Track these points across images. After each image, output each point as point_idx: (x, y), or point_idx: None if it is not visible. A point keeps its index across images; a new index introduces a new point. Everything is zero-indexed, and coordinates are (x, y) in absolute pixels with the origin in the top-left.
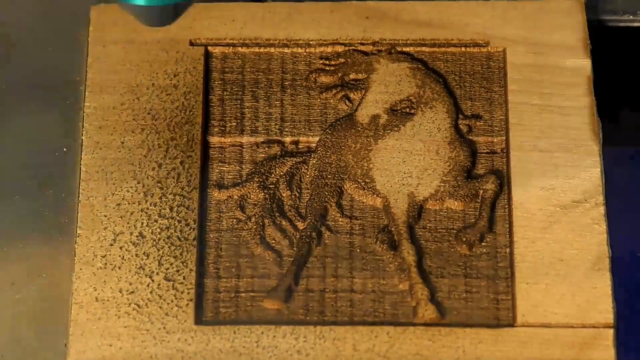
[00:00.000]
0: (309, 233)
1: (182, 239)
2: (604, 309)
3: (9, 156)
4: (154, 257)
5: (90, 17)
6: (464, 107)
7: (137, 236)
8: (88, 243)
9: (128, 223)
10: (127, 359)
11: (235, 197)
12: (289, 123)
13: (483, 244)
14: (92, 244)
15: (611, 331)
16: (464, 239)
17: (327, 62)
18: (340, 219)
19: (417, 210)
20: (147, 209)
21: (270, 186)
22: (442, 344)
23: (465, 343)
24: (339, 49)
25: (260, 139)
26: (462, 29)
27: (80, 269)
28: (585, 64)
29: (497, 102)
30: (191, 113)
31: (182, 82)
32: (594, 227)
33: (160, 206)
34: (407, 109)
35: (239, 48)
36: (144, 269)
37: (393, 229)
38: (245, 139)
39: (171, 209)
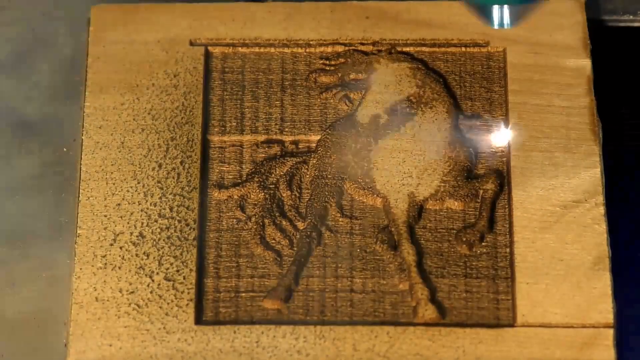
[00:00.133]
0: (309, 233)
1: (182, 239)
2: (604, 309)
3: (9, 156)
4: (154, 257)
5: (90, 17)
6: (464, 107)
7: (137, 236)
8: (88, 243)
9: (128, 223)
10: (127, 359)
11: (235, 197)
12: (289, 123)
13: (483, 244)
14: (92, 244)
15: (611, 331)
16: (464, 239)
17: (327, 62)
18: (340, 219)
19: (417, 210)
20: (147, 209)
21: (270, 186)
22: (442, 344)
23: (465, 343)
24: (339, 49)
25: (261, 138)
26: (462, 29)
27: (80, 269)
28: (585, 64)
29: (497, 102)
30: (191, 113)
31: (182, 82)
32: (594, 227)
33: (160, 206)
34: (407, 109)
35: (239, 48)
36: (144, 269)
37: (393, 229)
38: (245, 139)
39: (171, 209)
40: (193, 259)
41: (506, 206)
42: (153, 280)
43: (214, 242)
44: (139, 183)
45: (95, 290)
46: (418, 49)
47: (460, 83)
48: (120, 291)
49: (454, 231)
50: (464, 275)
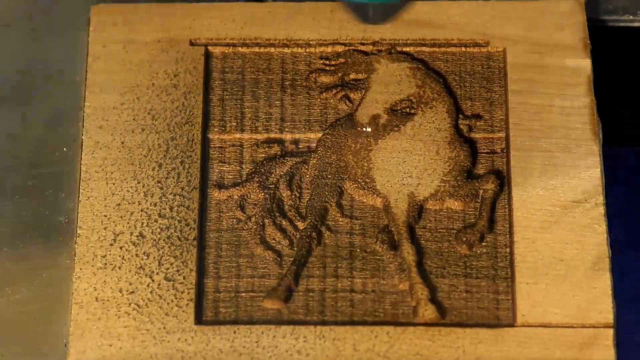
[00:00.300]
0: (309, 233)
1: (182, 239)
2: (604, 309)
3: (10, 156)
4: (154, 257)
5: (90, 17)
6: (464, 107)
7: (137, 236)
8: (88, 243)
9: (128, 223)
10: (127, 359)
11: (235, 197)
12: (289, 123)
13: (483, 244)
14: (92, 244)
15: (611, 331)
16: (464, 239)
17: (327, 62)
18: (340, 219)
19: (417, 210)
20: (147, 209)
21: (270, 186)
22: (442, 344)
23: (465, 343)
24: (339, 49)
25: (261, 139)
26: (462, 29)
27: (80, 269)
28: (585, 64)
29: (497, 102)
30: (191, 113)
31: (182, 82)
32: (594, 227)
33: (160, 206)
34: (407, 109)
35: (239, 48)
36: (144, 269)
37: (393, 229)
38: (245, 140)
39: (171, 209)
40: (193, 259)
41: (506, 206)
42: (153, 280)
43: (214, 242)
44: (139, 183)
45: (95, 290)
46: (418, 49)
47: (460, 83)
48: (120, 291)
49: (454, 231)
50: (464, 275)
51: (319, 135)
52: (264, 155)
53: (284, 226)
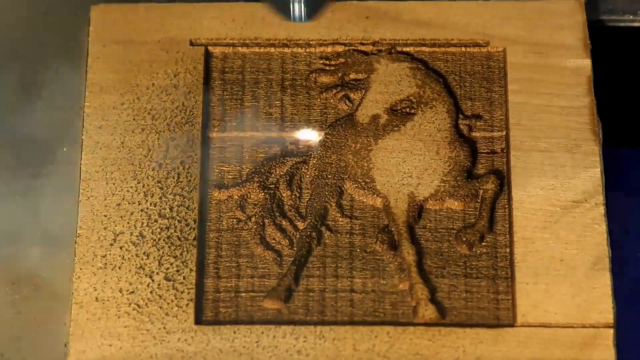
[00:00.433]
0: (309, 233)
1: (182, 239)
2: (604, 309)
3: (10, 156)
4: (154, 257)
5: (90, 17)
6: (464, 107)
7: (137, 236)
8: (88, 243)
9: (128, 223)
10: (127, 359)
11: (235, 197)
12: (289, 123)
13: (483, 244)
14: (92, 244)
15: (611, 331)
16: (464, 239)
17: (327, 62)
18: (340, 219)
19: (417, 210)
20: (147, 209)
21: (270, 186)
22: (442, 344)
23: (465, 343)
24: (339, 49)
25: (261, 139)
26: (462, 29)
27: (80, 269)
28: (585, 64)
29: (497, 102)
30: (191, 113)
31: (182, 82)
32: (594, 227)
33: (160, 206)
34: (407, 109)
35: (239, 48)
36: (144, 269)
37: (393, 229)
38: (245, 140)
39: (171, 209)
40: (193, 259)
41: (506, 206)
42: (153, 280)
43: (214, 242)
44: (139, 183)
45: (95, 290)
46: (418, 49)
47: (460, 83)
48: (120, 291)
49: (454, 231)
50: (464, 275)
51: (319, 135)
52: (264, 155)
53: (284, 226)
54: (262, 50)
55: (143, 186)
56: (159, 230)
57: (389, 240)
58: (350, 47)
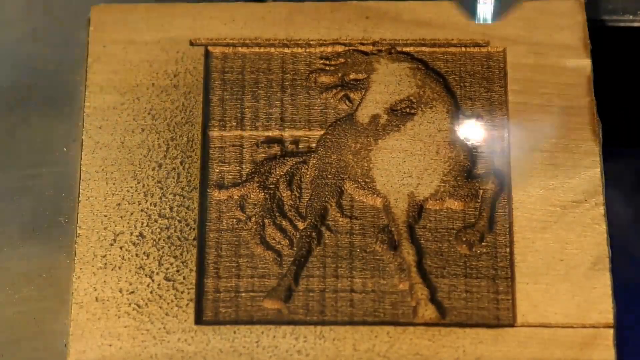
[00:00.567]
0: (309, 233)
1: (182, 239)
2: (604, 309)
3: (9, 156)
4: (154, 257)
5: (90, 17)
6: (464, 107)
7: (137, 236)
8: (88, 243)
9: (128, 223)
10: (127, 359)
11: (235, 197)
12: (289, 123)
13: (483, 244)
14: (92, 244)
15: (611, 331)
16: (464, 239)
17: (327, 62)
18: (340, 219)
19: (417, 210)
20: (147, 209)
21: (270, 186)
22: (442, 344)
23: (465, 343)
24: (339, 49)
25: (261, 139)
26: (462, 29)
27: (80, 269)
28: (585, 64)
29: (497, 102)
30: (191, 113)
31: (182, 82)
32: (594, 227)
33: (160, 206)
34: (407, 109)
35: (239, 48)
36: (144, 269)
37: (393, 228)
38: (245, 140)
39: (171, 209)
40: (193, 259)
41: (506, 206)
42: (153, 280)
43: (214, 242)
44: (139, 183)
45: (95, 290)
46: (418, 49)
47: (460, 83)
48: (120, 291)
49: (454, 231)
50: (464, 275)
51: (319, 134)
52: (264, 155)
53: (284, 226)
54: (262, 50)
55: (143, 186)
56: (159, 230)
57: (389, 240)
58: (350, 47)
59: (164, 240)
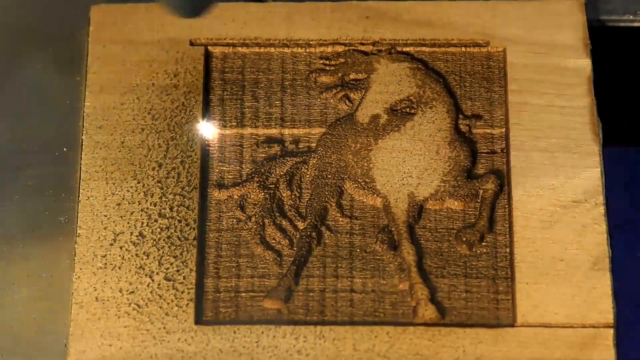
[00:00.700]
0: (309, 233)
1: (182, 238)
2: (604, 309)
3: (9, 156)
4: (154, 257)
5: (90, 17)
6: (464, 107)
7: (137, 236)
8: (88, 243)
9: (128, 223)
10: (127, 359)
11: (235, 197)
12: (289, 123)
13: (483, 244)
14: (92, 244)
15: (611, 331)
16: (464, 239)
17: (327, 62)
18: (340, 219)
19: (417, 210)
20: (147, 208)
21: (270, 186)
22: (442, 344)
23: (465, 343)
24: (339, 49)
25: (261, 139)
26: (462, 29)
27: (80, 269)
28: (585, 64)
29: (497, 102)
30: (191, 113)
31: (182, 82)
32: (594, 227)
33: (160, 206)
34: (407, 109)
35: (239, 48)
36: (144, 269)
37: (393, 228)
38: (245, 139)
39: (171, 208)
40: (193, 259)
41: (506, 206)
42: (153, 280)
43: (214, 242)
44: (139, 183)
45: (95, 290)
46: (418, 49)
47: (460, 83)
48: (120, 291)
49: (454, 231)
50: (464, 275)
51: (319, 134)
52: (264, 155)
53: (284, 226)
54: (262, 50)
55: (143, 186)
56: (159, 230)
57: (389, 240)
58: (350, 47)
59: (164, 240)
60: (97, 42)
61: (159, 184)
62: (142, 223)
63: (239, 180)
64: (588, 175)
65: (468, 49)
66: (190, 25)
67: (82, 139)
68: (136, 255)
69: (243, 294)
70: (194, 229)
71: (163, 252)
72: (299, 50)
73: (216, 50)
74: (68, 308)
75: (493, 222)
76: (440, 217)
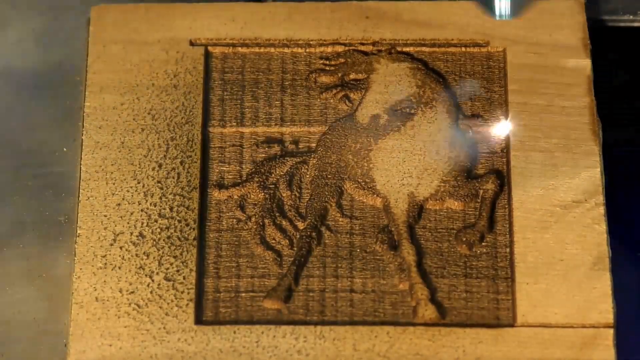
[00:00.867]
0: (309, 233)
1: (182, 239)
2: (604, 309)
3: (9, 156)
4: (154, 257)
5: (90, 17)
6: (464, 107)
7: (137, 236)
8: (88, 243)
9: (128, 223)
10: (127, 359)
11: (235, 197)
12: (289, 123)
13: (483, 244)
14: (92, 244)
15: (611, 331)
16: (464, 239)
17: (327, 62)
18: (340, 219)
19: (417, 210)
20: (147, 209)
21: (270, 186)
22: (442, 344)
23: (465, 343)
24: (339, 49)
25: (261, 139)
26: (462, 29)
27: (80, 269)
28: (585, 64)
29: (497, 102)
30: (191, 113)
31: (182, 82)
32: (594, 227)
33: (160, 206)
34: (407, 109)
35: (239, 48)
36: (144, 269)
37: (393, 229)
38: (245, 139)
39: (171, 209)
40: (193, 259)
41: (506, 206)
42: (153, 280)
43: (214, 242)
44: (139, 183)
45: (95, 290)
46: (418, 49)
47: (460, 83)
48: (120, 291)
49: (454, 231)
50: (464, 275)
51: (319, 134)
52: (264, 155)
53: (284, 226)
54: (262, 50)
55: (143, 186)
56: (159, 230)
57: (389, 240)
58: (350, 47)
59: (164, 240)
60: (97, 42)
61: (159, 184)
62: (142, 223)
63: (239, 180)
64: (588, 175)
65: (468, 49)
66: (190, 25)
67: (82, 139)
68: (136, 255)
69: (243, 294)
70: (194, 229)
71: (163, 252)
72: (299, 50)
73: (216, 50)
74: (68, 308)
75: (493, 222)
76: (440, 217)
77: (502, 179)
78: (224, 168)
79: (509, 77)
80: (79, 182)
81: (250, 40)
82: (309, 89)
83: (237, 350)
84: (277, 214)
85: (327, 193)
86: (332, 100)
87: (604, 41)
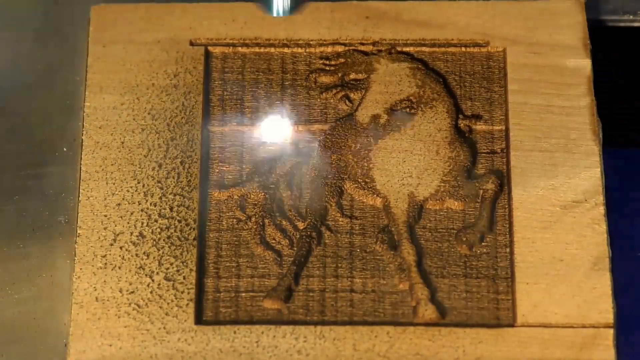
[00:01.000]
0: (309, 233)
1: (182, 238)
2: (604, 309)
3: (9, 156)
4: (154, 257)
5: (90, 17)
6: (464, 107)
7: (137, 236)
8: (88, 243)
9: (128, 223)
10: (127, 359)
11: (235, 197)
12: (289, 123)
13: (483, 244)
14: (92, 244)
15: (611, 331)
16: (464, 239)
17: (327, 62)
18: (340, 219)
19: (417, 210)
20: (147, 209)
21: (270, 186)
22: (442, 344)
23: (465, 343)
24: (339, 49)
25: (261, 139)
26: (462, 29)
27: (80, 269)
28: (585, 64)
29: (497, 102)
30: (191, 113)
31: (182, 82)
32: (594, 227)
33: (160, 206)
34: (407, 109)
35: (239, 48)
36: (144, 269)
37: (393, 229)
38: (245, 140)
39: (171, 209)
40: (193, 259)
41: (506, 206)
42: (153, 280)
43: (214, 242)
44: (139, 183)
45: (95, 290)
46: (418, 49)
47: (460, 83)
48: (120, 291)
49: (454, 231)
50: (464, 275)
51: (319, 134)
52: (264, 155)
53: (284, 226)
54: (262, 50)
55: (143, 186)
56: (159, 230)
57: (389, 240)
58: (350, 47)
59: (164, 240)
60: (97, 42)
61: (159, 184)
62: (142, 223)
63: (239, 180)
64: (588, 175)
65: (468, 49)
66: (190, 25)
67: (82, 139)
68: (136, 255)
69: (243, 294)
70: (194, 229)
71: (163, 252)
72: (299, 50)
73: (216, 50)
74: (68, 308)
75: (493, 222)
76: (440, 217)
77: (502, 179)
78: (224, 168)
79: (509, 77)
80: (79, 182)
81: (250, 40)
82: (309, 89)
83: (237, 350)
84: (277, 214)
85: (327, 193)
86: (332, 100)
87: (604, 41)
